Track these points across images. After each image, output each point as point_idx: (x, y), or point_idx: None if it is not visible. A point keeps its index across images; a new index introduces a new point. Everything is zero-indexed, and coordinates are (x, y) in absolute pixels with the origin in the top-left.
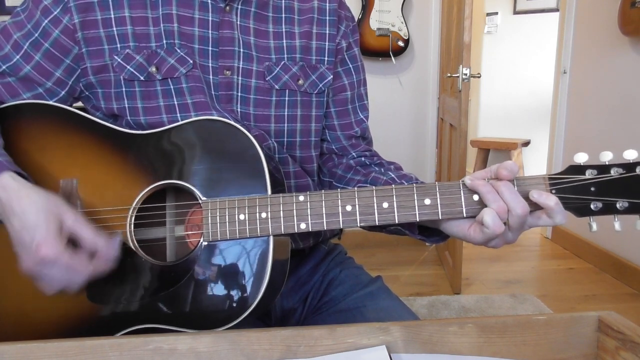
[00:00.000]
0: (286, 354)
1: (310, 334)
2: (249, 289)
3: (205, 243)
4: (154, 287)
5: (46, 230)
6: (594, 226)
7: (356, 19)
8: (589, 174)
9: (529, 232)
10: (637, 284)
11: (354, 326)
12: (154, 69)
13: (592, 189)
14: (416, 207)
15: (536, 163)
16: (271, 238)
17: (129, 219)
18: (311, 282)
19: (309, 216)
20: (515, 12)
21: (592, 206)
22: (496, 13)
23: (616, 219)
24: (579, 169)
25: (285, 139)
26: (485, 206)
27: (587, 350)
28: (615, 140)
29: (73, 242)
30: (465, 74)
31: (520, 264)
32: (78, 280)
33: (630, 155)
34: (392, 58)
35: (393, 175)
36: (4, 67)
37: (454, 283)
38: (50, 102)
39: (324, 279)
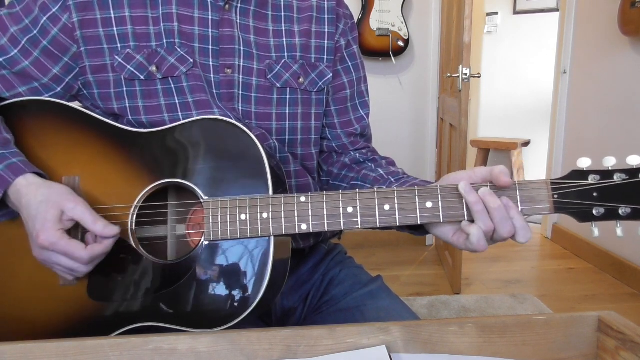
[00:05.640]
0: (286, 354)
1: (310, 334)
2: (249, 288)
3: (207, 242)
4: (155, 285)
5: (44, 219)
6: (596, 232)
7: (356, 19)
8: (592, 179)
9: None
10: (637, 284)
11: (354, 326)
12: (154, 68)
13: (595, 194)
14: (417, 210)
15: (536, 163)
16: (272, 238)
17: (130, 217)
18: (311, 281)
19: (310, 217)
20: (515, 12)
21: (594, 212)
22: (496, 13)
23: (618, 225)
24: (582, 174)
25: (287, 137)
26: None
27: (587, 350)
28: (615, 140)
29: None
30: (465, 74)
31: (520, 264)
32: (78, 265)
33: (634, 160)
34: (392, 58)
35: (382, 172)
36: (0, 60)
37: (454, 283)
38: (54, 100)
39: (324, 279)
